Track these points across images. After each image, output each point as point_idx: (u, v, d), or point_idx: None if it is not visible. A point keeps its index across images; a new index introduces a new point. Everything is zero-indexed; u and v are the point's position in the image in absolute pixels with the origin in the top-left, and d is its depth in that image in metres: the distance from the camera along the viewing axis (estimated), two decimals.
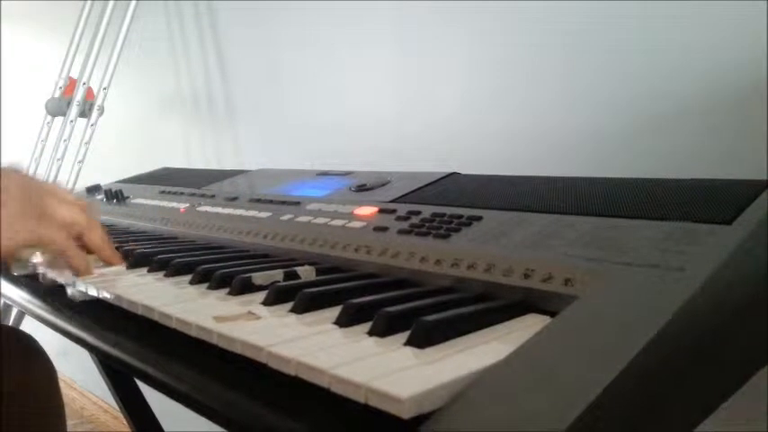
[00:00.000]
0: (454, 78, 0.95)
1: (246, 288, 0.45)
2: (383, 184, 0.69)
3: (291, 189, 0.78)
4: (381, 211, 0.60)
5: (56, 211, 0.53)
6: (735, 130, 0.66)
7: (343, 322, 0.36)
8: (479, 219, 0.51)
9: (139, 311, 0.42)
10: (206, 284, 0.47)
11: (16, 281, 0.61)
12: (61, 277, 0.55)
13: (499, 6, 0.86)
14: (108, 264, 0.58)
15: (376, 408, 0.26)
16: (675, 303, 0.31)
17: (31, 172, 1.56)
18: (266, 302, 0.42)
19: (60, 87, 1.52)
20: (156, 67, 1.66)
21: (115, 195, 0.99)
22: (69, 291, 0.53)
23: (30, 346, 0.79)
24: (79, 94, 1.48)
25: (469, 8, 0.90)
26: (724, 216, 0.41)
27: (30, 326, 1.05)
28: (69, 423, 0.85)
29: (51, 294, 0.56)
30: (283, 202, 0.72)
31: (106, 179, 1.20)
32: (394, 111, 1.04)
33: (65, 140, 1.48)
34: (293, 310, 0.40)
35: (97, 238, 0.57)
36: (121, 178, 1.19)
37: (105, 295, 0.47)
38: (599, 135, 0.77)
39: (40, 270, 0.59)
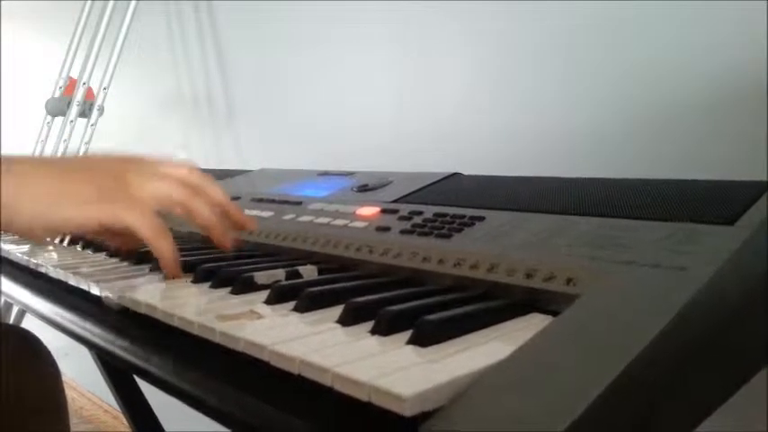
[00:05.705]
0: (454, 78, 0.95)
1: (249, 287, 0.45)
2: (385, 185, 0.69)
3: (293, 189, 0.78)
4: (383, 211, 0.60)
5: (141, 188, 0.48)
6: (735, 131, 0.66)
7: (345, 321, 0.36)
8: (482, 219, 0.51)
9: (142, 310, 0.42)
10: (208, 283, 0.47)
11: (17, 278, 0.61)
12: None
13: (499, 5, 0.86)
14: (240, 228, 0.50)
15: (378, 406, 0.26)
16: (677, 303, 0.31)
17: None
18: (269, 301, 0.41)
19: (60, 87, 1.52)
20: (156, 67, 1.66)
21: None
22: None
23: (34, 345, 0.79)
24: (79, 94, 1.48)
25: (469, 7, 0.90)
26: (726, 217, 0.41)
27: (30, 325, 1.05)
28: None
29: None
30: (285, 202, 0.72)
31: None
32: (394, 111, 1.04)
33: (65, 140, 1.49)
34: (296, 309, 0.39)
35: (204, 214, 0.50)
36: None
37: (107, 294, 0.47)
38: (600, 135, 0.77)
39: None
